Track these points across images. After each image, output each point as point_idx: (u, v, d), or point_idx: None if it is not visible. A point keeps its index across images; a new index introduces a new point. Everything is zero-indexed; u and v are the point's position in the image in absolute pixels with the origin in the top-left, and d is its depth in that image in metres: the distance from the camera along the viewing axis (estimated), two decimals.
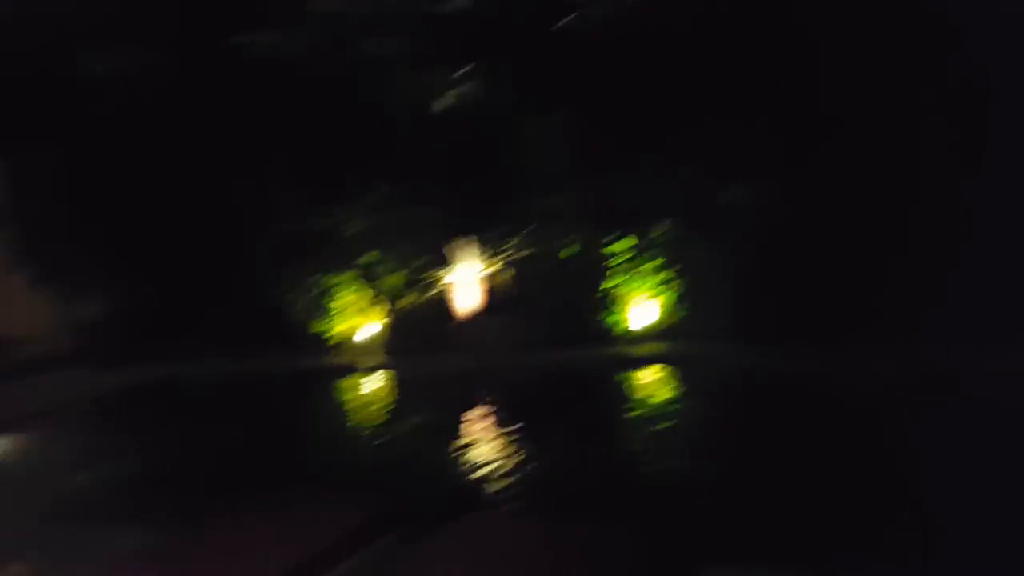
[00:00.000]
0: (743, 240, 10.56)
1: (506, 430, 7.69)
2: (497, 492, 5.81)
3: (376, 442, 8.00)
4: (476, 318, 11.49)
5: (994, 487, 4.87)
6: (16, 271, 13.88)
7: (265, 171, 12.60)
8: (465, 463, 6.65)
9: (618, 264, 11.41)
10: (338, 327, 13.27)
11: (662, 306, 11.29)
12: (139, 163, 12.85)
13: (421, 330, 12.13)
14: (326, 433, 8.65)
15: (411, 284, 12.34)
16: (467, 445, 7.20)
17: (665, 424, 7.71)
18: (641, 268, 11.32)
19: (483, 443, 7.30)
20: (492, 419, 8.43)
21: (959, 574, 3.73)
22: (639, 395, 9.28)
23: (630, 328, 11.37)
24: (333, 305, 13.25)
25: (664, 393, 9.14)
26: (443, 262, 11.78)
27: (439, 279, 11.82)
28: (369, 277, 12.66)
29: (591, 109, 10.87)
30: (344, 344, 13.20)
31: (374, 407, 10.11)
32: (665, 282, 11.25)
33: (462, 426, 7.91)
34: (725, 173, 10.68)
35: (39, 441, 10.07)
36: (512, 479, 5.97)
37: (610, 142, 10.94)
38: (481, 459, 6.70)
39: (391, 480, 6.31)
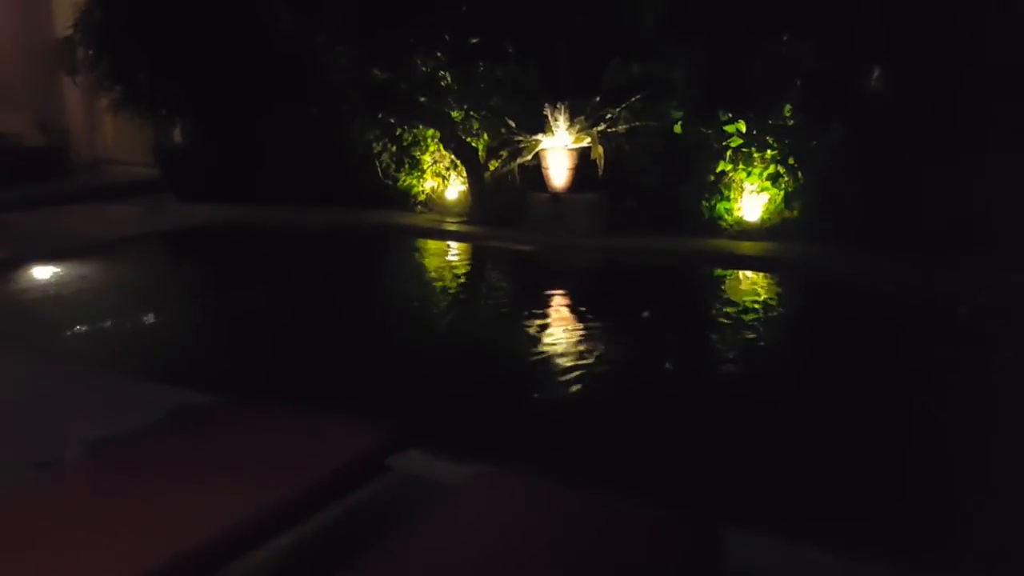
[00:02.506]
0: (870, 135, 9.19)
1: (577, 328, 6.88)
2: (549, 415, 5.07)
3: (423, 326, 7.30)
4: (565, 192, 10.54)
5: None
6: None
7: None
8: (517, 369, 5.92)
9: (727, 149, 10.17)
10: (416, 187, 12.56)
11: (771, 201, 10.09)
12: None
13: (504, 199, 11.28)
14: (370, 304, 8.02)
15: (499, 148, 11.40)
16: (527, 344, 6.46)
17: (753, 337, 6.80)
18: (753, 156, 10.07)
19: (545, 342, 6.54)
20: (564, 312, 7.64)
21: None
22: (733, 299, 8.33)
23: (733, 221, 10.25)
24: (414, 163, 12.50)
25: (761, 299, 8.15)
26: (535, 128, 10.73)
27: (529, 147, 10.81)
28: (456, 137, 11.75)
29: None
30: (421, 206, 12.52)
31: (436, 282, 9.47)
32: (778, 174, 10.00)
33: (527, 318, 7.12)
34: (859, 57, 9.23)
35: (90, 270, 9.86)
36: (569, 398, 5.22)
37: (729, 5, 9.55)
38: (537, 367, 5.95)
39: (431, 380, 5.64)
